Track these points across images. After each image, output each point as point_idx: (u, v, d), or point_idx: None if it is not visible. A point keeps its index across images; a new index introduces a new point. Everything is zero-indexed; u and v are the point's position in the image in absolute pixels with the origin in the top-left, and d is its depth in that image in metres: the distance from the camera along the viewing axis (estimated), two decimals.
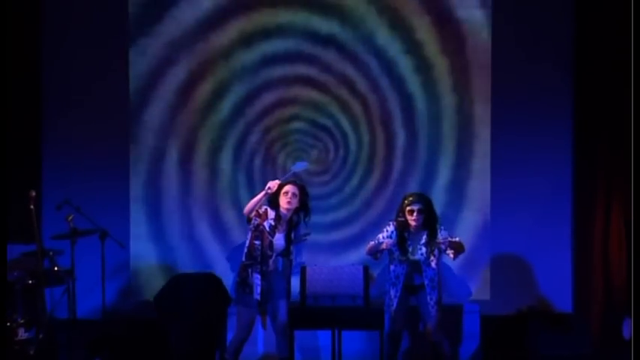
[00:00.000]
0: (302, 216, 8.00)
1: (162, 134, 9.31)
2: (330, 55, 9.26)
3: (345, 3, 9.24)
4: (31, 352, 7.98)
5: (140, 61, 9.26)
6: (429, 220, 7.95)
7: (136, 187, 9.28)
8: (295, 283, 8.31)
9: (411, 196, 8.03)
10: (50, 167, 9.24)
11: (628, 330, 8.61)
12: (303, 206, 7.98)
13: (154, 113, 9.31)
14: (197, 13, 9.26)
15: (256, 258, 7.85)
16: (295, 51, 9.27)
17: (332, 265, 8.79)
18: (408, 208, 7.93)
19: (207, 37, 9.27)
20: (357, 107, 9.31)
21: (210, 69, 9.28)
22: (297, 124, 9.32)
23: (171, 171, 9.31)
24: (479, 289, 9.23)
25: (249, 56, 9.26)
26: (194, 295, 8.68)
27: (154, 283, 9.06)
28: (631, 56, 7.83)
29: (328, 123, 9.32)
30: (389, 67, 9.27)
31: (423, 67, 9.28)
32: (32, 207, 7.99)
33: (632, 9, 7.92)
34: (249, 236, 7.93)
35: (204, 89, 9.30)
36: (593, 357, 8.72)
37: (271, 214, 7.90)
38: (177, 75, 9.29)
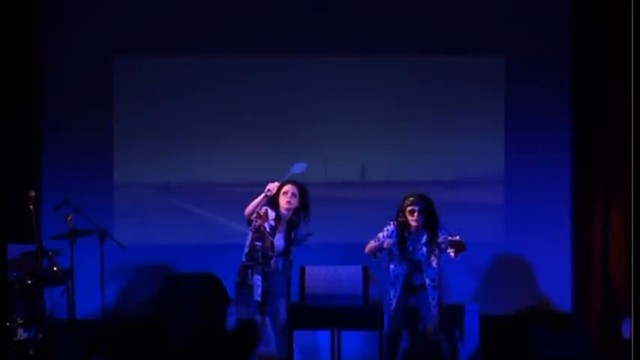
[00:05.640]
0: (302, 216, 7.97)
1: (162, 134, 9.32)
2: None
3: None
4: (31, 352, 7.98)
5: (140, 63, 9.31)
6: (430, 221, 7.93)
7: (136, 187, 9.28)
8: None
9: (411, 196, 8.00)
10: (50, 167, 9.24)
11: (628, 330, 8.60)
12: (303, 206, 7.96)
13: (154, 114, 9.32)
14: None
15: (257, 259, 7.83)
16: None
17: (331, 264, 8.79)
18: (409, 208, 7.92)
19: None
20: None
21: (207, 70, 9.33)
22: None
23: (171, 171, 9.32)
24: (479, 289, 9.23)
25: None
26: (194, 295, 8.68)
27: (153, 283, 9.05)
28: (631, 57, 7.83)
29: None
30: None
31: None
32: (32, 207, 8.00)
33: (632, 13, 7.92)
34: (249, 237, 7.91)
35: (200, 90, 9.34)
36: (592, 357, 8.72)
37: (271, 214, 7.88)
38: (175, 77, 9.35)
